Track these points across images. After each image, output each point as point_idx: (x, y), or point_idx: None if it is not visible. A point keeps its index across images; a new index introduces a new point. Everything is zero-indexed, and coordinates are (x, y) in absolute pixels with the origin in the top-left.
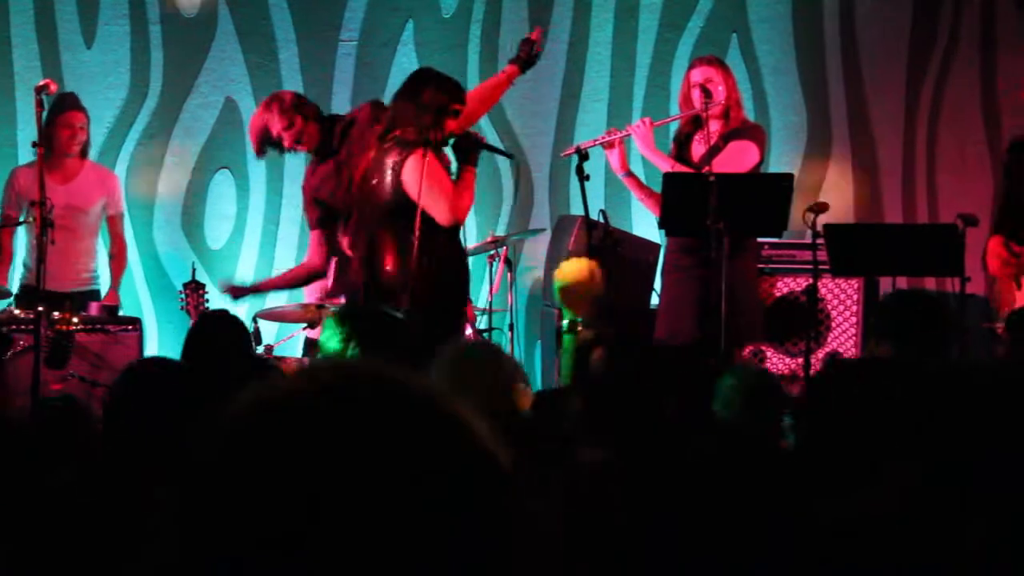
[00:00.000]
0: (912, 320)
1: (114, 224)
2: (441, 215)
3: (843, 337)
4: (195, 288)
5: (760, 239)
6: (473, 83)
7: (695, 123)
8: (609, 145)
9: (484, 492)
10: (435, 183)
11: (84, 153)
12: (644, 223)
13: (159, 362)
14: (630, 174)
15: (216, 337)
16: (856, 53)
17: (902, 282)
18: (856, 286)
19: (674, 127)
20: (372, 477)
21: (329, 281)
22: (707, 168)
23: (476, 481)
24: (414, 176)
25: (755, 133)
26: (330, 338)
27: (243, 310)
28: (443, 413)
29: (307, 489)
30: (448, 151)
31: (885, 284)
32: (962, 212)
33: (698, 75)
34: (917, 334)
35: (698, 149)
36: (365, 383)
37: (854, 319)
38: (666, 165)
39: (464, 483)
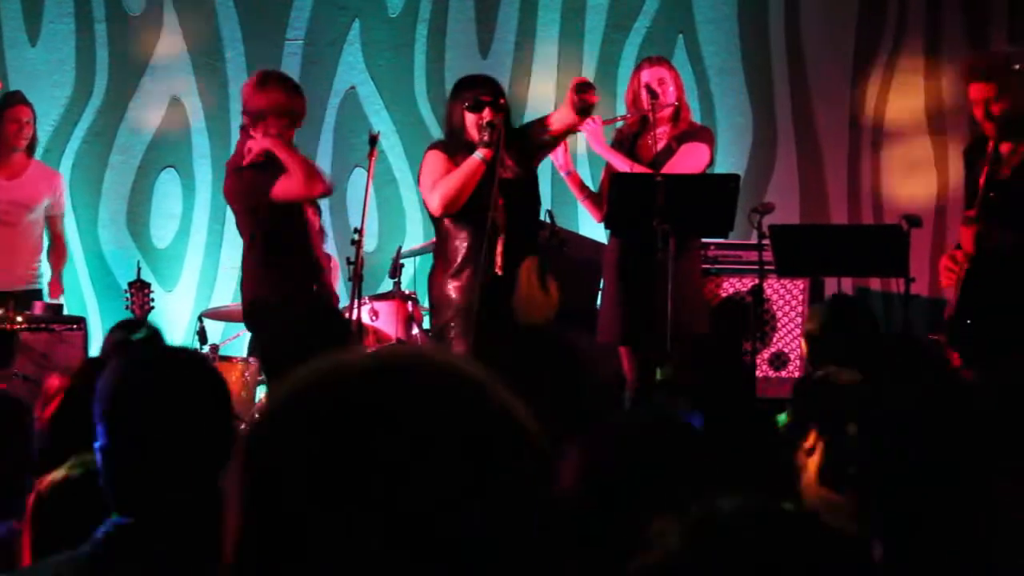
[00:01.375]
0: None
1: (55, 224)
2: (428, 206)
3: (788, 338)
4: (140, 287)
5: (706, 239)
6: (420, 81)
7: (643, 124)
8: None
9: (521, 468)
10: (423, 177)
11: (31, 150)
12: (591, 223)
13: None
14: (573, 173)
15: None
16: (802, 54)
17: (847, 283)
18: (802, 287)
19: (610, 131)
20: (423, 446)
21: None
22: (665, 170)
23: (516, 458)
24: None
25: (705, 135)
26: None
27: (188, 308)
28: (486, 391)
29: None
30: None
31: (831, 285)
32: (907, 213)
33: (648, 75)
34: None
35: (646, 150)
36: (414, 361)
37: (799, 320)
38: (623, 164)
39: (503, 459)
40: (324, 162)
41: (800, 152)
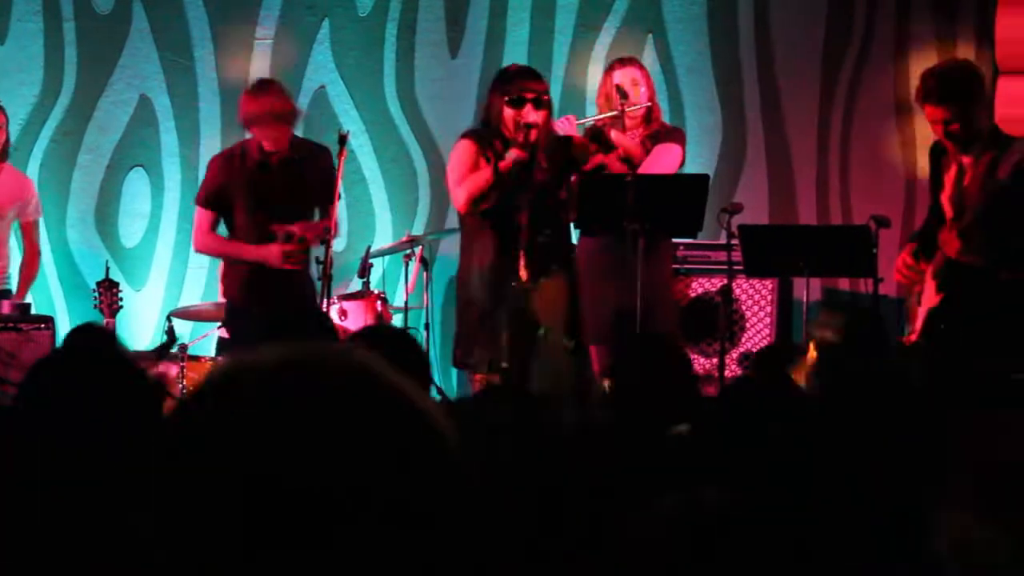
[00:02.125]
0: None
1: (29, 231)
2: (453, 200)
3: (757, 337)
4: (108, 287)
5: (675, 239)
6: (390, 81)
7: (615, 124)
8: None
9: (432, 468)
10: (449, 168)
11: (4, 155)
12: None
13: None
14: None
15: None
16: (771, 54)
17: (816, 283)
18: (770, 287)
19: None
20: (325, 449)
21: None
22: (640, 170)
23: (425, 456)
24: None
25: (677, 135)
26: None
27: (156, 308)
28: (389, 387)
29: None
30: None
31: (799, 285)
32: (875, 214)
33: (620, 76)
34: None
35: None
36: (318, 359)
37: (768, 319)
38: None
39: (411, 458)
40: None
41: (769, 152)
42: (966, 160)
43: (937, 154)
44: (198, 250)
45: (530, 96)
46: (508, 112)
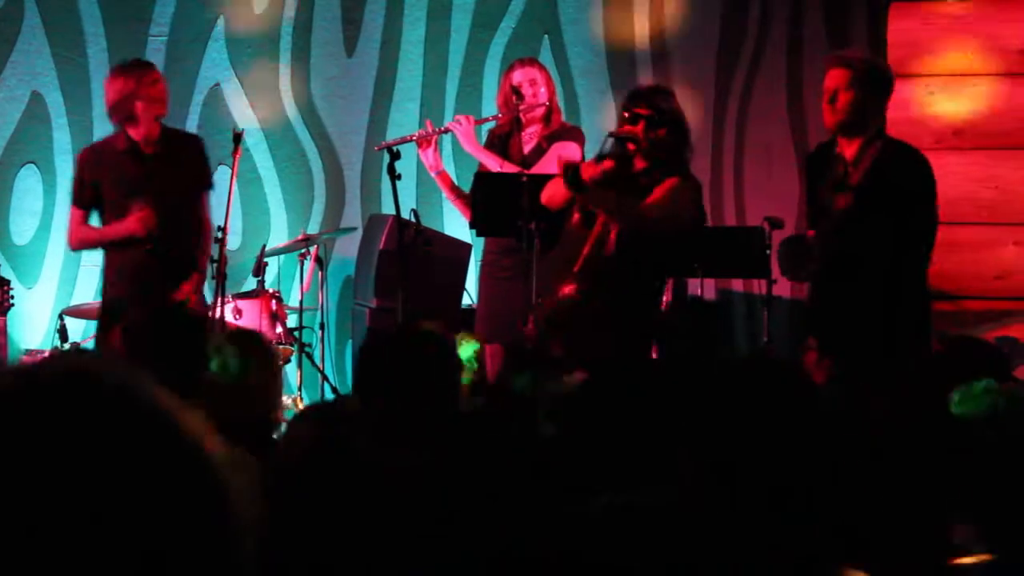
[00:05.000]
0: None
1: None
2: None
3: None
4: None
5: None
6: (285, 79)
7: (514, 124)
8: (425, 143)
9: (189, 480)
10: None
11: None
12: (455, 223)
13: None
14: (443, 173)
15: None
16: (666, 56)
17: (710, 283)
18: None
19: (482, 131)
20: (59, 471)
21: None
22: (535, 170)
23: (182, 470)
24: None
25: (576, 134)
26: None
27: (48, 306)
28: (140, 404)
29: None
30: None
31: (693, 286)
32: (768, 215)
33: (519, 76)
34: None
35: (517, 150)
36: (50, 376)
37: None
38: (494, 163)
39: (169, 473)
40: None
41: None
42: (849, 152)
43: (815, 164)
44: (73, 247)
45: (644, 112)
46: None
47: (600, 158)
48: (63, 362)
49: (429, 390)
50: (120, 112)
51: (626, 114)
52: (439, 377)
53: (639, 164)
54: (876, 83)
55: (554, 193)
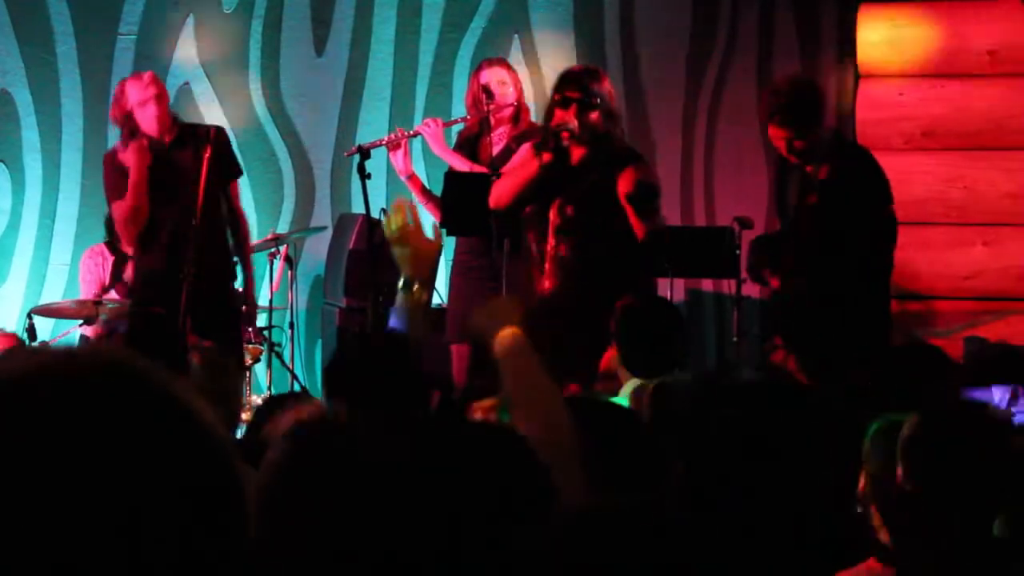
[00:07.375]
0: None
1: None
2: None
3: None
4: None
5: None
6: (255, 78)
7: (483, 125)
8: (395, 146)
9: (213, 477)
10: None
11: None
12: (426, 222)
13: None
14: (413, 176)
15: None
16: (636, 57)
17: (679, 283)
18: None
19: (451, 133)
20: (94, 464)
21: (106, 277)
22: (504, 170)
23: (206, 467)
24: None
25: None
26: None
27: (17, 305)
28: (168, 397)
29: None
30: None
31: (663, 285)
32: (738, 215)
33: (487, 76)
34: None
35: (486, 151)
36: (87, 365)
37: None
38: (463, 165)
39: (192, 470)
40: None
41: None
42: (809, 168)
43: (784, 166)
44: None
45: (574, 96)
46: (558, 113)
47: (538, 152)
48: (104, 354)
49: (403, 393)
50: (126, 128)
51: (557, 96)
52: (410, 380)
53: (576, 152)
54: (813, 116)
55: (500, 193)
